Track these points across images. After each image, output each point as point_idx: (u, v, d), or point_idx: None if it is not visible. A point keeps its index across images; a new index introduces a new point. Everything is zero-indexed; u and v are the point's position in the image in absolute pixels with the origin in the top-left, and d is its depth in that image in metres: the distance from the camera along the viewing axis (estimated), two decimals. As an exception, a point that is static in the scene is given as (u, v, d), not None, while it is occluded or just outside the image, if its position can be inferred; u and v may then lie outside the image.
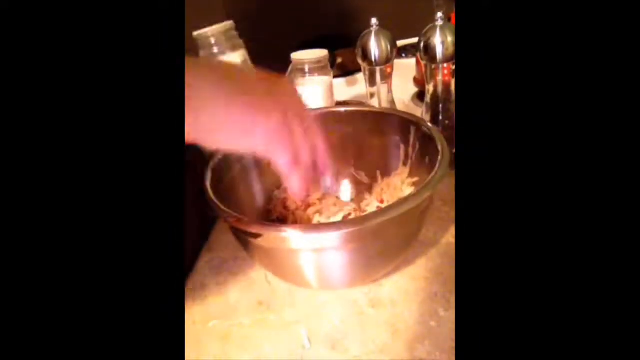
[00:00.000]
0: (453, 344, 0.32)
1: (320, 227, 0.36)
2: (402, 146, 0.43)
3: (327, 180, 0.47)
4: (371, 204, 0.45)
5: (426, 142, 0.39)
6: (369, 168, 0.47)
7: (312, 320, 0.36)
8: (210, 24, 0.55)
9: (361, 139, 0.46)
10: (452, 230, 0.42)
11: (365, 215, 0.32)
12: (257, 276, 0.42)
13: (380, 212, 0.31)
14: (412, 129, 0.42)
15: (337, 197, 0.48)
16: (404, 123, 0.43)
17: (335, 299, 0.38)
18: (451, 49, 0.53)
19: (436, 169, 0.33)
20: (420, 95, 0.72)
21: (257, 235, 0.31)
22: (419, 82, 0.74)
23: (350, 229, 0.30)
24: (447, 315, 0.34)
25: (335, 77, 0.73)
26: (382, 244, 0.33)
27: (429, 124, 0.41)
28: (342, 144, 0.46)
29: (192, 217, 0.52)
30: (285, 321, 0.36)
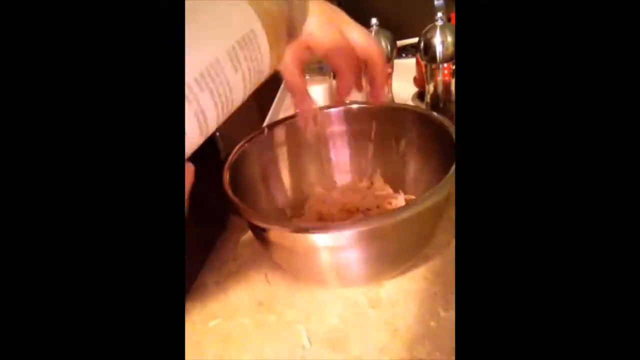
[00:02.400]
0: (453, 344, 0.32)
1: (339, 225, 0.36)
2: (417, 141, 0.43)
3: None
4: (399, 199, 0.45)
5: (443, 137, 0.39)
6: (390, 167, 0.47)
7: (312, 320, 0.36)
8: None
9: (379, 135, 0.46)
10: (452, 231, 0.43)
11: (383, 214, 0.32)
12: (257, 276, 0.42)
13: (397, 210, 0.31)
14: (430, 125, 0.41)
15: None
16: (422, 118, 0.42)
17: (335, 299, 0.38)
18: (451, 49, 0.53)
19: (454, 166, 0.32)
20: (420, 95, 0.72)
21: (270, 231, 0.32)
22: (419, 82, 0.74)
23: (369, 227, 0.30)
24: (447, 315, 0.34)
25: (335, 77, 0.73)
26: (399, 242, 0.33)
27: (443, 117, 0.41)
28: (359, 140, 0.46)
29: (192, 215, 0.53)
30: (285, 321, 0.36)
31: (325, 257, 0.33)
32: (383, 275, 0.38)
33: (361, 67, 0.36)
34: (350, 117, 0.46)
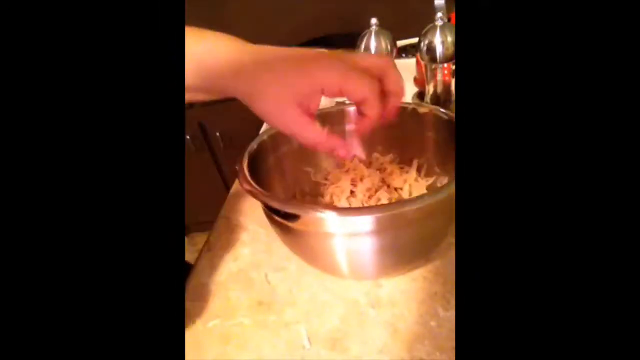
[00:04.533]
0: (453, 344, 0.32)
1: (357, 210, 0.36)
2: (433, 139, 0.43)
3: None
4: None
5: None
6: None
7: (312, 320, 0.36)
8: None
9: (394, 135, 0.46)
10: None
11: (402, 201, 0.32)
12: (257, 276, 0.42)
13: (416, 198, 0.30)
14: (446, 124, 0.41)
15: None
16: (438, 119, 0.42)
17: (335, 299, 0.38)
18: (451, 49, 0.53)
19: None
20: (420, 95, 0.72)
21: (291, 216, 0.32)
22: (419, 82, 0.74)
23: (386, 214, 0.30)
24: (447, 315, 0.34)
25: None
26: (416, 232, 0.33)
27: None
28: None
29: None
30: (285, 321, 0.36)
31: (340, 244, 0.33)
32: (396, 269, 0.38)
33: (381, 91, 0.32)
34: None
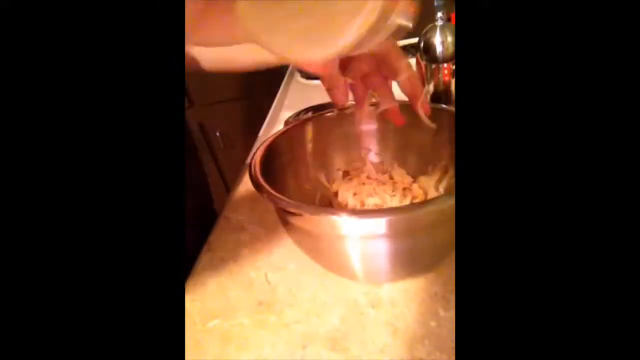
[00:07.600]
0: (453, 344, 0.32)
1: (371, 212, 0.36)
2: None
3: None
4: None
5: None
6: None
7: (312, 320, 0.36)
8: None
9: (407, 134, 0.45)
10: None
11: (415, 204, 0.32)
12: (257, 276, 0.42)
13: (429, 201, 0.30)
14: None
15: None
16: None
17: (335, 299, 0.38)
18: (451, 49, 0.53)
19: None
20: (420, 95, 0.72)
21: (300, 216, 0.32)
22: (419, 82, 0.74)
23: (400, 216, 0.29)
24: (447, 315, 0.34)
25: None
26: (431, 235, 0.33)
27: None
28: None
29: (191, 215, 0.53)
30: (285, 321, 0.36)
31: (353, 246, 0.33)
32: (411, 273, 0.38)
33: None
34: (379, 114, 0.45)
